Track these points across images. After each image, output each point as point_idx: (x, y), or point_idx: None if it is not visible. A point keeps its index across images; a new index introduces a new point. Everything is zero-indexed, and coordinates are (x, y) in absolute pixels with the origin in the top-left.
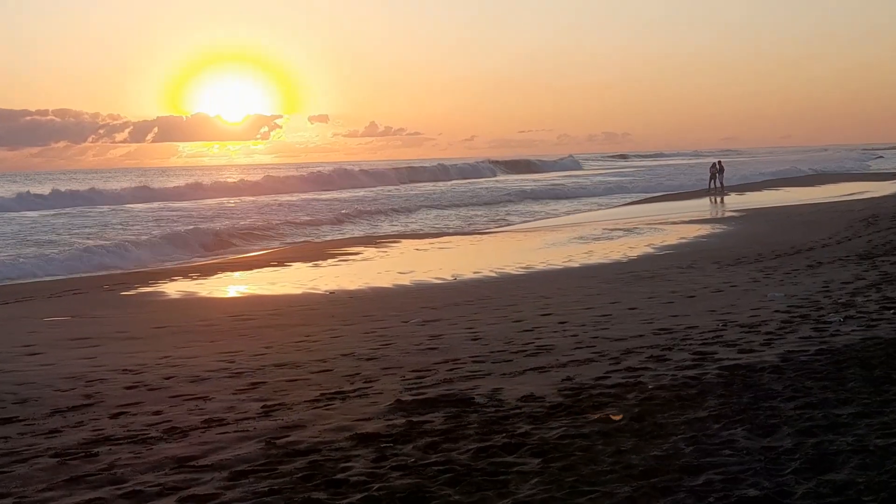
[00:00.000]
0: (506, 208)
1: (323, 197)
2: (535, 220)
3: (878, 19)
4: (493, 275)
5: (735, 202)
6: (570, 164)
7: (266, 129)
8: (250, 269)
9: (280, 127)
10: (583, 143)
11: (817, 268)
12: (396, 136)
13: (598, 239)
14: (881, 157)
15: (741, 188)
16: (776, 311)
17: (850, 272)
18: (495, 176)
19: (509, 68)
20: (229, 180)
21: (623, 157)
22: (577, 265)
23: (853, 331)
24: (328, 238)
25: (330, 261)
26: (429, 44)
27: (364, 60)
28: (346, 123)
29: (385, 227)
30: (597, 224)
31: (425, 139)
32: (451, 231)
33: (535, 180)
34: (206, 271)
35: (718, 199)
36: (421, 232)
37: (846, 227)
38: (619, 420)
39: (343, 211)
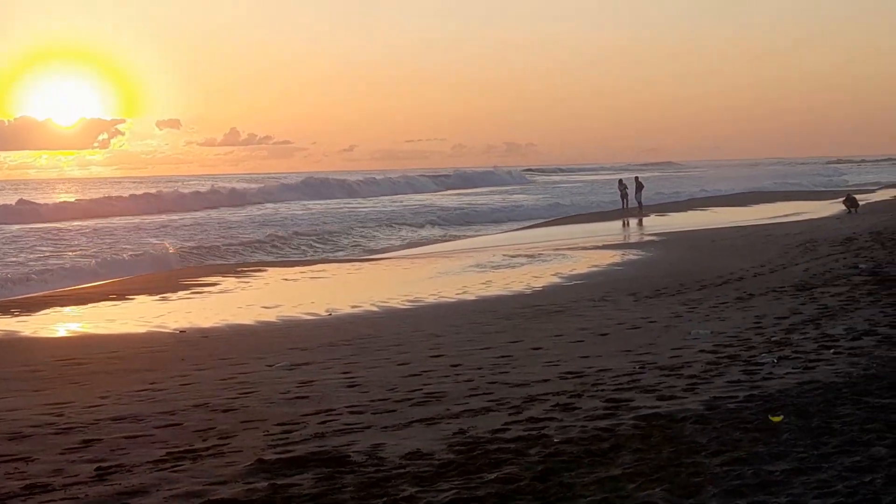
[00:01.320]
0: (398, 233)
1: (176, 218)
2: (425, 246)
3: (815, 25)
4: (375, 309)
5: (655, 224)
6: (459, 180)
7: (105, 135)
8: (85, 303)
9: (122, 133)
10: (480, 156)
11: (748, 300)
12: (262, 146)
13: (497, 267)
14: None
15: (663, 208)
16: (701, 351)
17: (786, 305)
18: (391, 194)
19: (395, 64)
20: (60, 198)
21: (528, 170)
22: (472, 297)
23: (788, 373)
24: (180, 266)
25: (181, 293)
26: (300, 34)
27: (223, 55)
28: (201, 130)
29: (249, 254)
30: (496, 250)
31: (297, 149)
32: (326, 258)
33: (426, 200)
34: (31, 306)
35: (635, 221)
36: (291, 259)
37: (781, 253)
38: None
39: (199, 235)
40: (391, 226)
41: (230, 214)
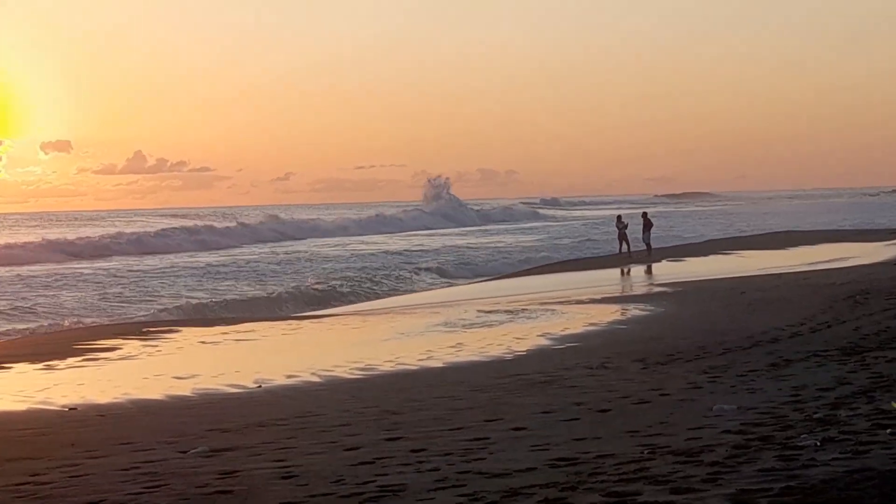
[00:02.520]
0: (348, 284)
1: (71, 267)
2: (379, 299)
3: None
4: (317, 380)
5: (668, 272)
6: (426, 219)
7: None
8: None
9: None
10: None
11: (784, 367)
12: (175, 173)
13: (470, 326)
14: None
15: (679, 251)
16: (725, 432)
17: (831, 374)
18: (337, 235)
19: (339, 74)
20: None
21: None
22: (439, 364)
23: (834, 459)
24: (69, 327)
25: (71, 360)
26: (221, 37)
27: (123, 63)
28: (97, 154)
29: (156, 308)
30: (469, 303)
31: (218, 178)
32: (255, 315)
33: (385, 241)
34: None
35: (642, 268)
36: (210, 317)
37: (824, 308)
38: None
39: (94, 289)
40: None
41: (137, 263)
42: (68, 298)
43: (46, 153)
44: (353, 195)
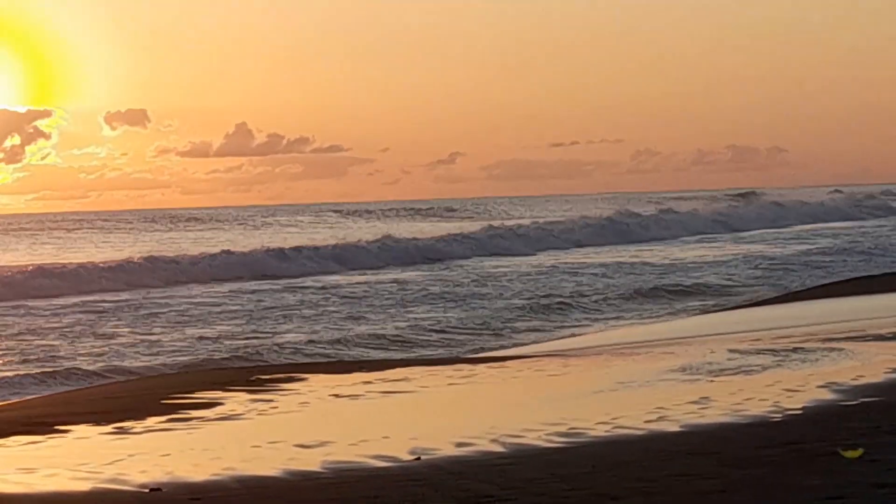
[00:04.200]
0: (547, 310)
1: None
2: (590, 332)
3: None
4: (499, 449)
5: None
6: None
7: (15, 139)
8: None
9: (47, 136)
10: (688, 169)
11: None
12: (293, 155)
13: (719, 371)
14: None
15: None
16: None
17: None
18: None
19: (525, 16)
20: None
21: (778, 204)
22: (674, 428)
23: None
24: (157, 373)
25: (153, 420)
26: None
27: (220, 10)
28: (185, 129)
29: (274, 345)
30: (718, 339)
31: (355, 160)
32: (409, 357)
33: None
34: None
35: None
36: (348, 359)
37: None
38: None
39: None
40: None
41: (260, 285)
42: (156, 334)
43: (113, 128)
44: (548, 184)
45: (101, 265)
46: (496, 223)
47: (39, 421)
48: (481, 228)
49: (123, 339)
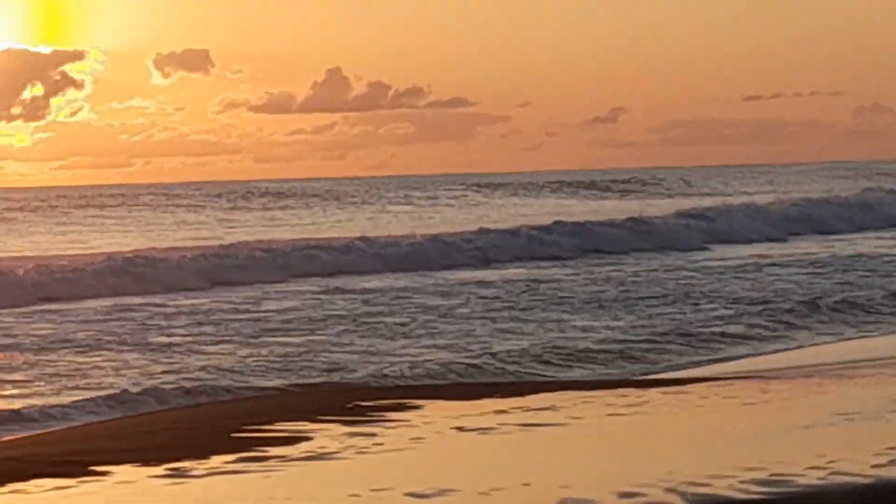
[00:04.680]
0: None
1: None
2: (803, 347)
3: None
4: (679, 502)
5: None
6: None
7: (39, 88)
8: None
9: (78, 84)
10: None
11: None
12: (403, 111)
13: None
14: None
15: None
16: None
17: None
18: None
19: None
20: None
21: None
22: None
23: None
24: (226, 398)
25: (221, 460)
26: None
27: None
28: (259, 76)
29: (378, 372)
30: None
31: (484, 118)
32: (558, 377)
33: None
34: None
35: None
36: (477, 380)
37: None
38: None
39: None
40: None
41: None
42: (225, 347)
43: (166, 74)
44: (738, 151)
45: (148, 255)
46: (685, 201)
47: (70, 459)
48: (659, 209)
49: (181, 354)
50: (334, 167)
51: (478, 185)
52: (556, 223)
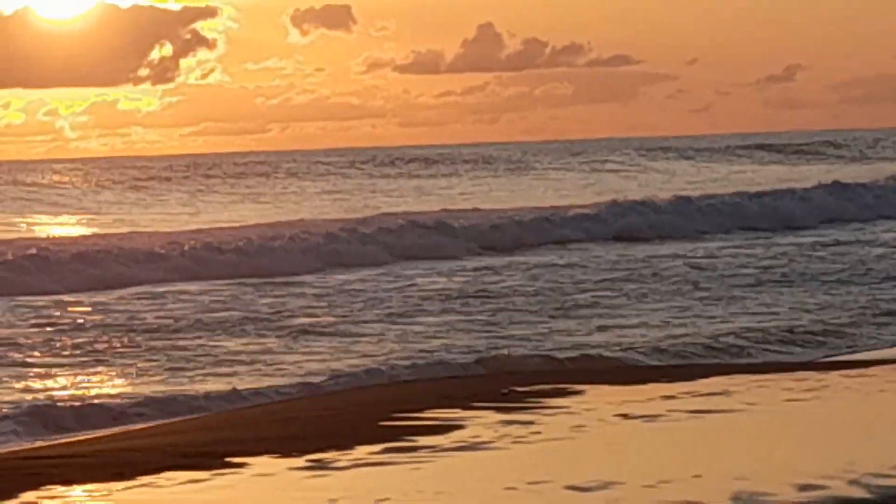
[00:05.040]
0: None
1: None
2: None
3: None
4: (863, 494)
5: None
6: None
7: (168, 48)
8: (132, 475)
9: (210, 44)
10: None
11: None
12: (558, 70)
13: None
14: None
15: None
16: None
17: None
18: None
19: None
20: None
21: None
22: None
23: None
24: (371, 383)
25: (366, 450)
26: None
27: None
28: (404, 33)
29: (532, 354)
30: None
31: (649, 76)
32: (740, 361)
33: None
34: None
35: None
36: (651, 363)
37: None
38: None
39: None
40: None
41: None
42: (371, 326)
43: (304, 32)
44: None
45: (278, 230)
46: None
47: (204, 450)
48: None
49: (323, 335)
50: (485, 132)
51: (645, 150)
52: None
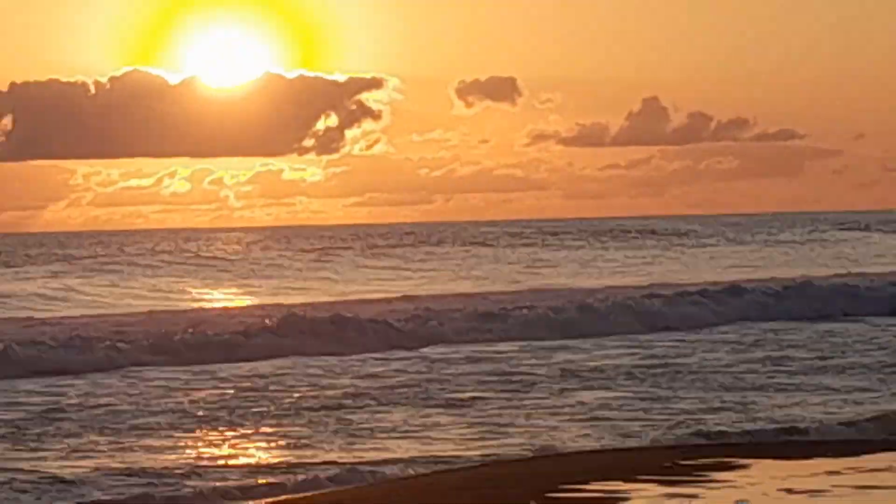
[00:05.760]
0: None
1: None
2: None
3: None
4: None
5: None
6: None
7: (334, 119)
8: None
9: (376, 115)
10: None
11: None
12: (728, 144)
13: None
14: None
15: None
16: None
17: None
18: None
19: None
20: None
21: None
22: None
23: None
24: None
25: None
26: None
27: None
28: (569, 105)
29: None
30: None
31: (817, 152)
32: None
33: None
34: None
35: None
36: (815, 438)
37: None
38: None
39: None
40: None
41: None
42: (549, 400)
43: (469, 104)
44: None
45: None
46: None
47: None
48: None
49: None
50: (648, 205)
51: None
52: None
